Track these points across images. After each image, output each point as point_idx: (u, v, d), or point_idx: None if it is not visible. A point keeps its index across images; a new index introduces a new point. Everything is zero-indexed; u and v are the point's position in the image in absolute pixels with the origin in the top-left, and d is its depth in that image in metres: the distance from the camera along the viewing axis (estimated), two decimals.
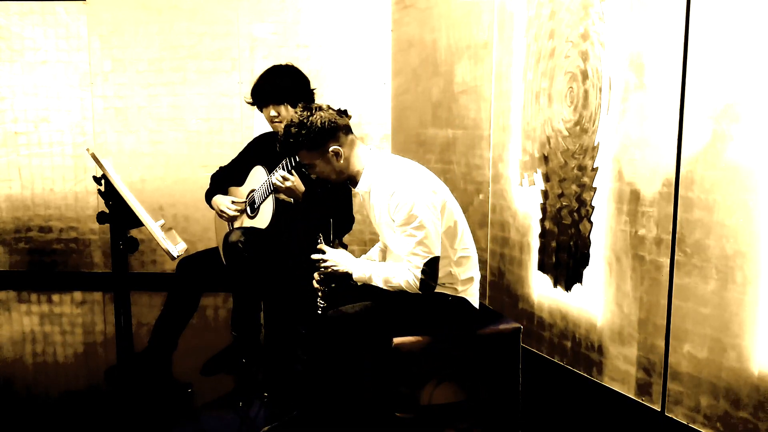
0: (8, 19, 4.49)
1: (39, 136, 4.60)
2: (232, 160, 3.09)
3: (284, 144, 2.23)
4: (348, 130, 2.25)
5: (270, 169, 2.78)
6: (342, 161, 2.21)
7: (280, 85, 2.80)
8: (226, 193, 3.02)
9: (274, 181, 2.64)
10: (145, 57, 4.47)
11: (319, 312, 2.35)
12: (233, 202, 2.90)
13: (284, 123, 2.83)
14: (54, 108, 4.57)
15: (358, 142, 2.27)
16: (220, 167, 3.10)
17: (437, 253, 2.12)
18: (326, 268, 2.32)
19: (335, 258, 2.31)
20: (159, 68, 4.48)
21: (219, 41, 4.44)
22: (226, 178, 3.04)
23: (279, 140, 2.26)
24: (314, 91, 2.92)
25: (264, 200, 2.80)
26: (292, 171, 2.63)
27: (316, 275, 2.37)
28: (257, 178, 2.88)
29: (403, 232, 2.11)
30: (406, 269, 2.11)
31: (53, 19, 4.49)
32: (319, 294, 2.37)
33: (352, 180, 2.27)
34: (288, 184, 2.62)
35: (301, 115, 2.20)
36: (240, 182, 3.00)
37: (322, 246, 2.35)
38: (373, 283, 2.20)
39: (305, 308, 2.73)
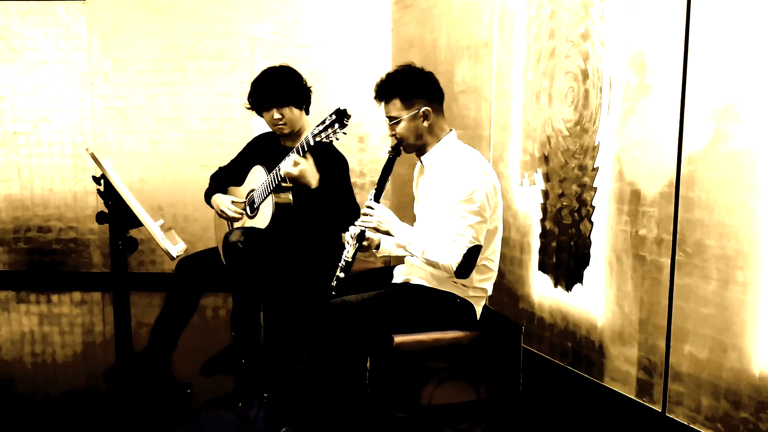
0: (8, 19, 4.49)
1: (38, 136, 4.60)
2: (232, 161, 3.08)
3: (383, 87, 2.23)
4: (442, 101, 2.27)
5: (269, 169, 2.77)
6: (425, 125, 2.22)
7: (282, 88, 2.79)
8: (225, 192, 3.01)
9: (285, 167, 2.56)
10: (145, 57, 4.47)
11: (341, 269, 2.25)
12: (233, 202, 2.90)
13: (288, 125, 2.84)
14: (54, 108, 4.56)
15: (443, 119, 2.29)
16: (220, 167, 3.10)
17: (482, 243, 2.12)
18: (369, 222, 2.23)
19: (383, 215, 2.23)
20: (159, 68, 4.48)
21: (219, 41, 4.44)
22: (225, 178, 3.04)
23: (377, 85, 2.25)
24: (311, 88, 2.92)
25: (263, 200, 2.79)
26: (307, 154, 2.54)
27: (352, 228, 2.29)
28: (256, 178, 2.88)
29: (456, 211, 2.09)
30: (449, 248, 2.08)
31: (53, 19, 4.48)
32: (348, 248, 2.27)
33: (423, 149, 2.27)
34: (300, 167, 2.53)
35: (411, 68, 2.24)
36: (239, 182, 2.99)
37: (371, 202, 2.27)
38: (410, 251, 2.17)
39: (305, 308, 2.73)
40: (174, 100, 4.50)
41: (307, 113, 2.94)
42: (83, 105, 4.55)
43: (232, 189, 3.03)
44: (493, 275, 2.28)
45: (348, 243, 2.28)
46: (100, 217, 2.41)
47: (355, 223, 2.28)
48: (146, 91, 4.50)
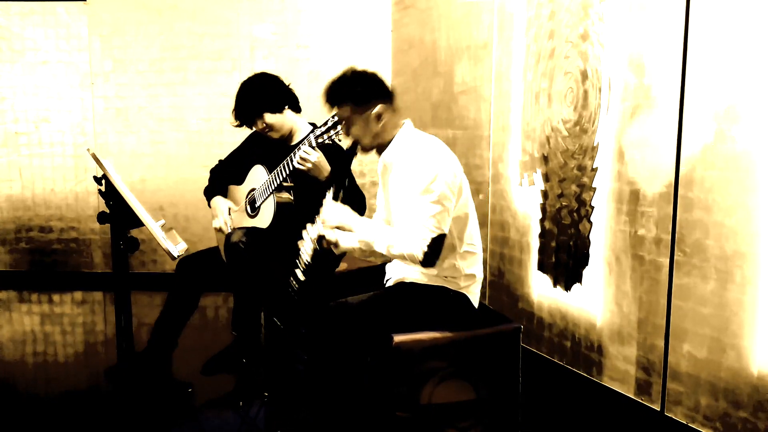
0: (9, 20, 4.50)
1: (39, 136, 4.61)
2: (231, 153, 3.08)
3: (332, 93, 2.21)
4: (392, 99, 2.25)
5: (270, 169, 2.78)
6: (380, 126, 2.20)
7: (254, 100, 2.79)
8: (225, 192, 3.02)
9: (298, 157, 2.54)
10: (145, 57, 4.48)
11: (302, 271, 2.23)
12: (230, 210, 2.91)
13: (275, 130, 2.85)
14: (54, 108, 4.57)
15: (396, 114, 2.27)
16: (220, 160, 3.10)
17: (446, 231, 2.12)
18: (328, 222, 2.20)
19: (341, 216, 2.21)
20: (159, 68, 4.49)
21: (219, 41, 4.45)
22: (225, 174, 3.05)
23: (327, 89, 2.21)
24: (290, 85, 2.91)
25: (265, 200, 2.80)
26: (315, 147, 2.54)
27: (310, 228, 2.26)
28: (257, 177, 2.89)
29: (416, 203, 2.09)
30: (412, 240, 2.08)
31: (54, 20, 4.49)
32: (306, 248, 2.24)
33: (381, 147, 2.26)
34: (313, 159, 2.52)
35: (357, 71, 2.21)
36: (239, 181, 3.00)
37: (329, 200, 2.23)
38: (375, 249, 2.16)
39: (306, 308, 2.74)
40: (174, 100, 4.51)
41: (297, 111, 2.93)
42: (84, 105, 4.56)
43: (233, 188, 3.04)
44: (479, 257, 2.28)
45: (307, 247, 2.27)
46: (101, 217, 2.42)
47: (313, 223, 2.26)
48: (147, 91, 4.51)
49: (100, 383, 2.97)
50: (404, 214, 2.20)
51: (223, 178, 3.05)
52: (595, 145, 2.57)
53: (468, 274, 2.25)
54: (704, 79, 2.11)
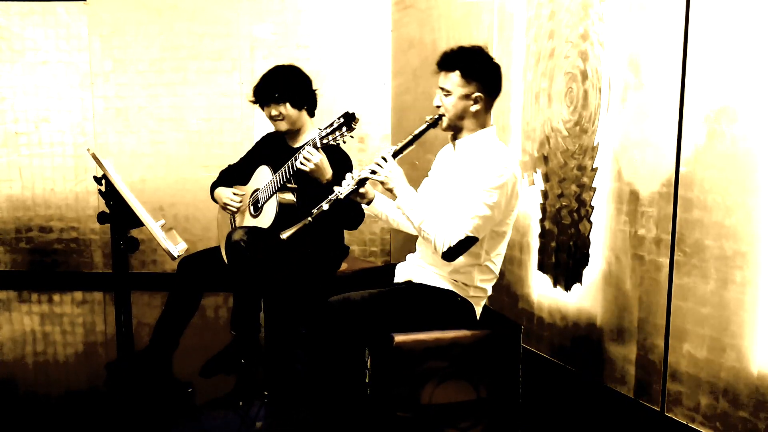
0: (9, 20, 4.50)
1: (39, 136, 4.61)
2: (241, 158, 3.10)
3: (449, 56, 2.21)
4: (495, 97, 2.26)
5: (275, 170, 2.78)
6: (472, 110, 2.20)
7: (282, 85, 2.81)
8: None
9: (301, 158, 2.54)
10: (145, 57, 4.48)
11: (328, 201, 2.27)
12: (235, 194, 2.92)
13: (286, 121, 2.86)
14: (54, 108, 4.58)
15: (491, 117, 2.29)
16: (229, 165, 3.12)
17: (480, 237, 2.13)
18: (377, 175, 2.23)
19: (393, 172, 2.23)
20: (159, 68, 4.49)
21: (219, 41, 4.45)
22: (232, 175, 3.06)
23: (445, 52, 2.22)
24: (316, 91, 2.93)
25: (267, 200, 2.80)
26: (319, 149, 2.53)
27: (356, 171, 2.30)
28: (261, 177, 2.89)
29: (473, 196, 2.10)
30: (447, 228, 2.09)
31: (54, 20, 4.50)
32: (345, 186, 2.28)
33: (458, 131, 2.27)
34: (315, 160, 2.51)
35: (485, 52, 2.25)
36: (245, 181, 3.01)
37: (388, 156, 2.26)
38: (407, 215, 2.18)
39: (306, 308, 2.74)
40: (174, 100, 4.51)
41: (311, 115, 2.95)
42: (84, 105, 4.56)
43: (238, 188, 3.04)
44: (494, 278, 2.29)
45: (347, 183, 2.28)
46: (102, 217, 2.42)
47: (365, 167, 2.28)
48: (147, 91, 4.51)
49: (100, 383, 2.97)
50: (450, 202, 2.20)
51: (230, 177, 3.07)
52: (595, 145, 2.57)
53: (480, 287, 2.26)
54: (704, 78, 2.11)
